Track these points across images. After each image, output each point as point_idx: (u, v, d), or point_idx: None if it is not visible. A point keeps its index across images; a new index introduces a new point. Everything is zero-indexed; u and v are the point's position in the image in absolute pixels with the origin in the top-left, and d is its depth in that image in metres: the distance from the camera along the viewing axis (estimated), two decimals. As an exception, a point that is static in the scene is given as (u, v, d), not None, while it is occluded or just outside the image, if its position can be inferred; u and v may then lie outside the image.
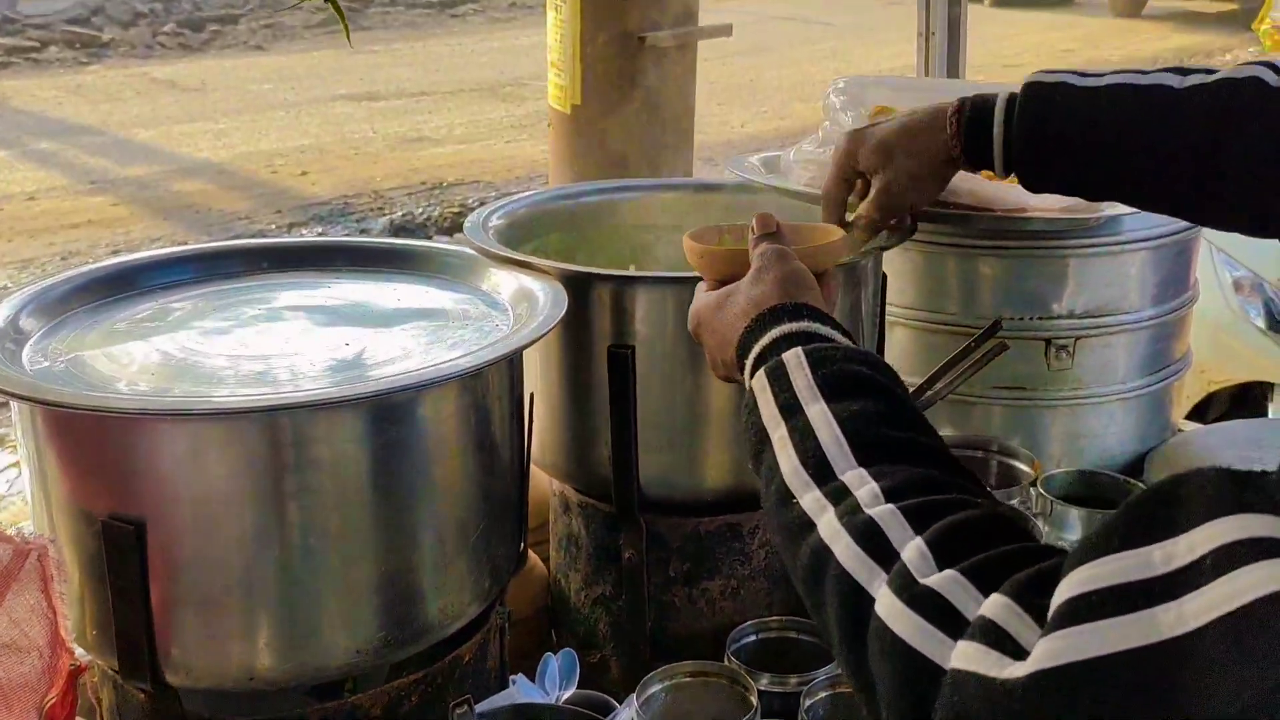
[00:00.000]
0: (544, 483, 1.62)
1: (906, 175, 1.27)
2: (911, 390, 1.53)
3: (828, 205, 1.34)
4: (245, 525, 1.01)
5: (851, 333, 0.94)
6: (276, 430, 0.99)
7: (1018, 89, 1.23)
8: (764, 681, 1.33)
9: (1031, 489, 1.58)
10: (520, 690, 1.27)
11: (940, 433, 1.76)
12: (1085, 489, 1.62)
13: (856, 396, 0.81)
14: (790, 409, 0.81)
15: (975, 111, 1.23)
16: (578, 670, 1.41)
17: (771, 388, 0.84)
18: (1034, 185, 1.27)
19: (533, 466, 1.69)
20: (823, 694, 1.32)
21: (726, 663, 1.36)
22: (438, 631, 1.13)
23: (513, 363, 1.19)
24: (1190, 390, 2.88)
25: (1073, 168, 1.22)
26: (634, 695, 1.30)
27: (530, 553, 1.63)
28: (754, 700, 1.29)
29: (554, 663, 1.39)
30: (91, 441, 1.01)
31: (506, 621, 1.29)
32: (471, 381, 1.10)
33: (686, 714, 1.32)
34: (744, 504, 1.40)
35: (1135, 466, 1.74)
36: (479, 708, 1.13)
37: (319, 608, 1.05)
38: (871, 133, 1.30)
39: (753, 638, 1.42)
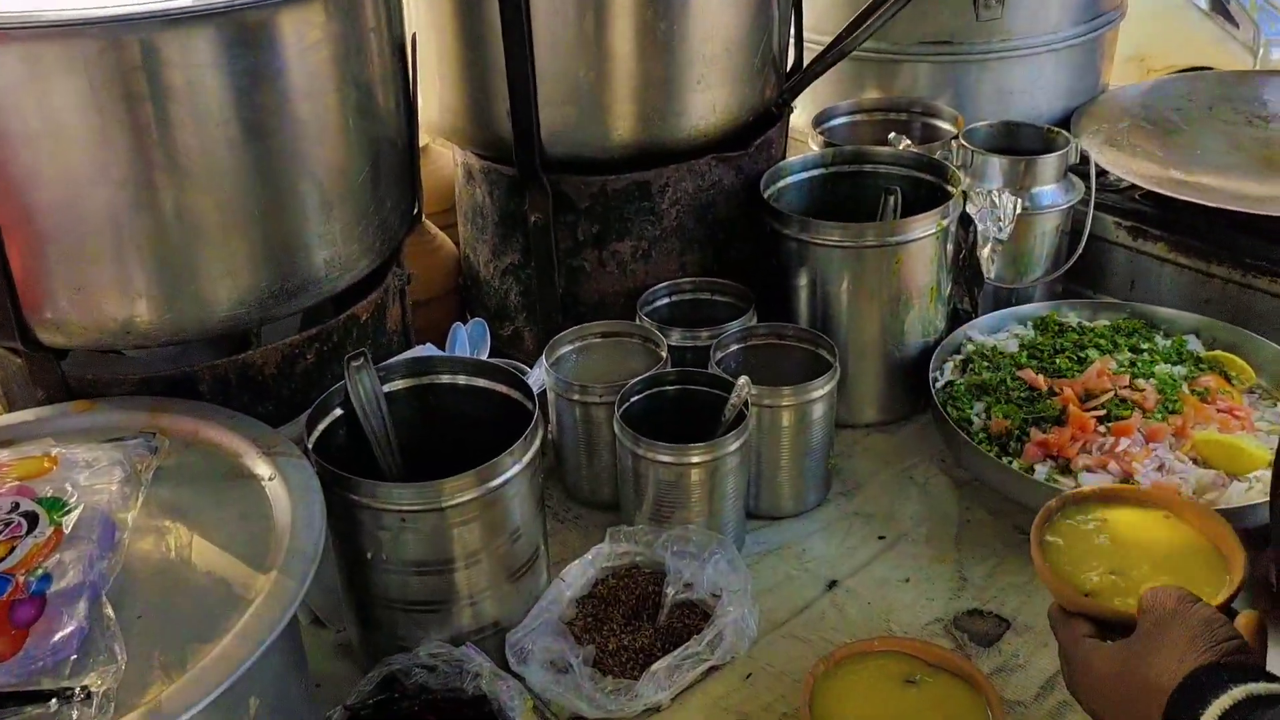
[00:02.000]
0: (448, 163, 1.55)
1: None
2: (834, 37, 1.45)
3: None
4: (99, 164, 0.93)
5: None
6: (122, 50, 0.90)
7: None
8: (675, 337, 1.31)
9: (953, 142, 1.53)
10: (425, 352, 1.24)
11: (865, 94, 1.72)
12: (1007, 140, 1.57)
13: None
14: None
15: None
16: (488, 339, 1.38)
17: None
18: None
19: (435, 142, 1.61)
20: (734, 346, 1.32)
21: (638, 323, 1.34)
22: (325, 284, 1.09)
23: (385, -12, 1.08)
24: (1130, 78, 2.80)
25: None
26: (543, 356, 1.28)
27: (439, 232, 1.58)
28: (663, 354, 1.28)
29: (463, 332, 1.36)
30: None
31: (406, 284, 1.24)
32: (339, 4, 1.00)
33: (599, 373, 1.30)
34: (652, 160, 1.34)
35: (1063, 125, 1.68)
36: (379, 365, 1.10)
37: (191, 254, 0.99)
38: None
39: (665, 300, 1.40)
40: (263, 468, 0.96)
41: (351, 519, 0.98)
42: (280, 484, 0.94)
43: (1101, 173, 1.55)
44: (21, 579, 0.79)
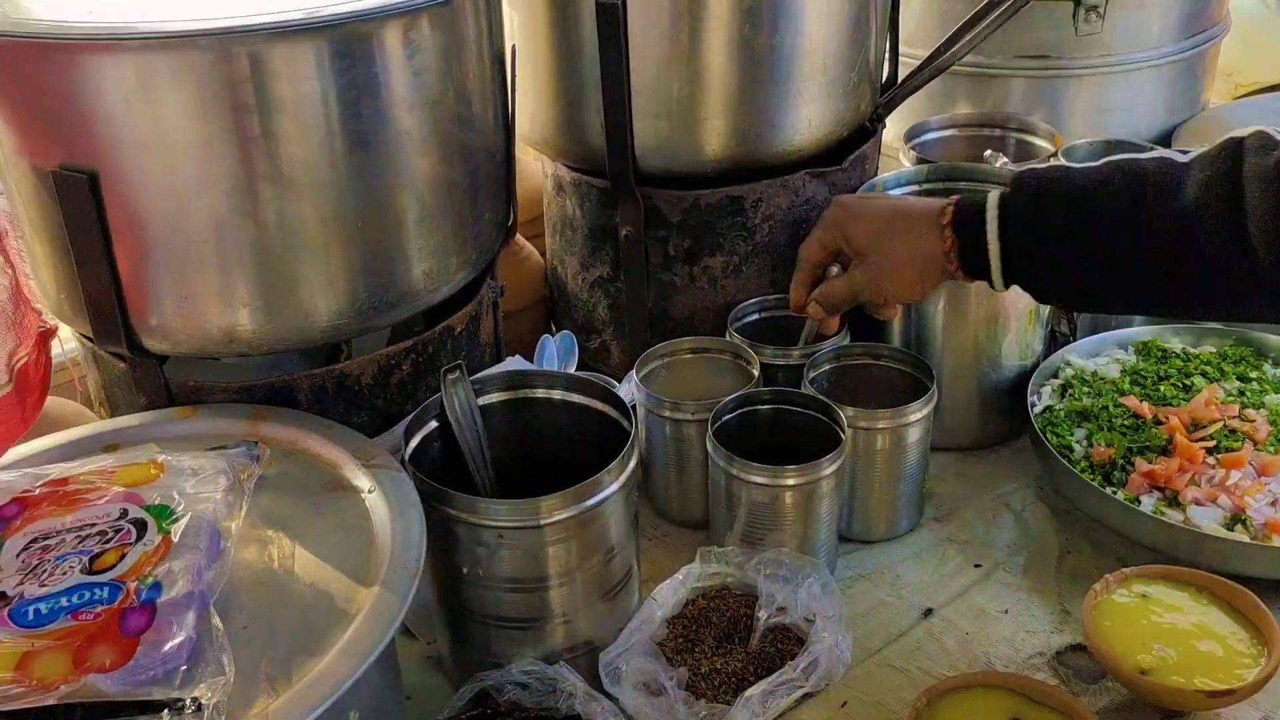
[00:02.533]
0: (538, 172, 1.54)
1: (894, 266, 1.14)
2: (930, 52, 1.43)
3: (804, 270, 1.22)
4: (207, 174, 0.93)
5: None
6: (232, 62, 0.90)
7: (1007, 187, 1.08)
8: (766, 354, 1.29)
9: (1052, 159, 1.50)
10: (517, 365, 1.23)
11: (957, 110, 1.69)
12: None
13: None
14: None
15: (964, 215, 1.09)
16: (576, 351, 1.38)
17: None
18: (1041, 297, 1.16)
19: (525, 152, 1.61)
20: (827, 366, 1.29)
21: (729, 339, 1.32)
22: (423, 296, 1.08)
23: (489, 2, 1.08)
24: (1218, 93, 2.73)
25: (1078, 274, 1.06)
26: (633, 371, 1.27)
27: (527, 243, 1.58)
28: (755, 372, 1.26)
29: (552, 344, 1.36)
30: (31, 81, 0.92)
31: (499, 296, 1.23)
32: (443, 16, 1.00)
33: (689, 389, 1.29)
34: (746, 174, 1.32)
35: (1163, 143, 1.64)
36: (474, 378, 1.09)
37: (294, 264, 0.99)
38: (863, 207, 1.18)
39: (755, 316, 1.38)
40: (363, 480, 0.96)
41: (447, 533, 0.98)
42: (380, 497, 0.94)
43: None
44: (133, 587, 0.79)
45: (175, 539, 0.83)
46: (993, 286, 1.10)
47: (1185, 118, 1.71)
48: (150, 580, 0.80)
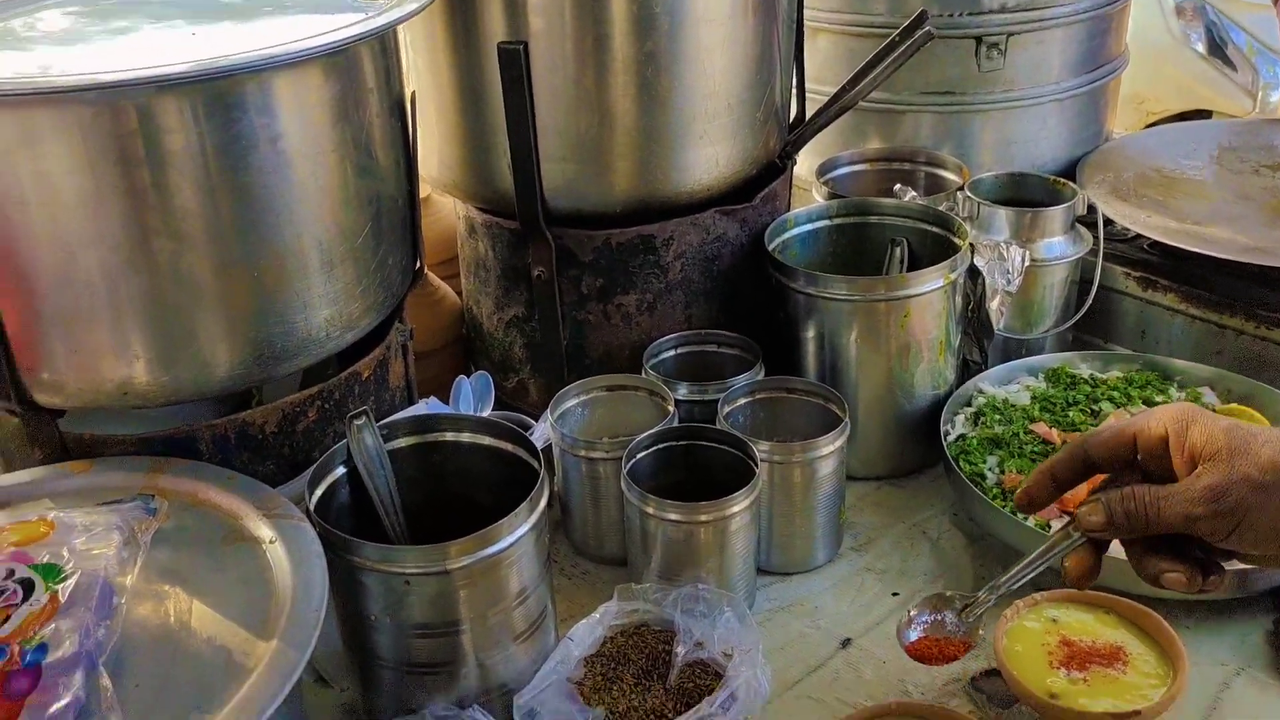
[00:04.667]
0: (450, 213, 1.54)
1: (1270, 537, 0.79)
2: (836, 90, 1.45)
3: (1071, 458, 0.90)
4: (95, 228, 0.92)
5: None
6: (117, 115, 0.89)
7: None
8: (682, 391, 1.30)
9: (959, 193, 1.53)
10: (429, 408, 1.22)
11: (868, 144, 1.72)
12: (1014, 190, 1.56)
13: None
14: None
15: None
16: (492, 391, 1.37)
17: None
18: None
19: (436, 194, 1.61)
20: (742, 400, 1.30)
21: (644, 376, 1.32)
22: (327, 343, 1.07)
23: (385, 49, 1.08)
24: (1128, 120, 2.81)
25: None
26: (548, 411, 1.27)
27: (442, 283, 1.57)
28: (670, 409, 1.26)
29: (467, 385, 1.35)
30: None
31: (409, 339, 1.23)
32: (337, 65, 1.00)
33: (605, 427, 1.29)
34: (656, 214, 1.33)
35: (1067, 174, 1.68)
36: (381, 423, 1.08)
37: (189, 315, 0.98)
38: (1249, 439, 0.80)
39: (671, 352, 1.39)
40: (264, 530, 0.95)
41: (354, 581, 0.96)
42: (281, 547, 0.92)
43: (1109, 223, 1.55)
44: (16, 649, 0.77)
45: (63, 598, 0.81)
46: None
47: (1089, 149, 1.75)
48: (36, 641, 0.77)
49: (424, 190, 1.46)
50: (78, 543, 0.87)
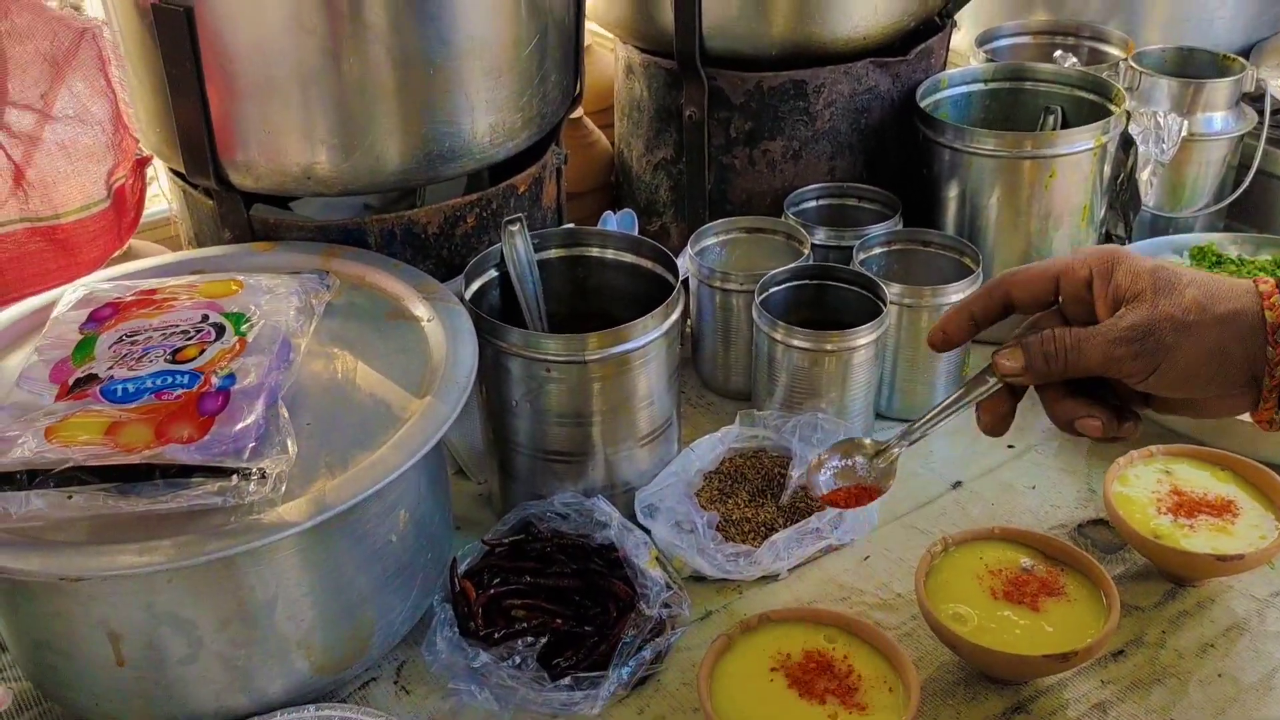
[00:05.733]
0: (611, 63, 1.59)
1: (1187, 378, 0.77)
2: None
3: (984, 298, 0.86)
4: (293, 12, 1.00)
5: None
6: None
7: None
8: (819, 236, 1.33)
9: (1122, 63, 1.50)
10: (577, 231, 1.29)
11: (1032, 15, 1.68)
12: (1180, 66, 1.52)
13: None
14: None
15: None
16: (635, 227, 1.42)
17: None
18: None
19: (596, 44, 1.66)
20: (877, 249, 1.33)
21: (784, 220, 1.36)
22: (488, 151, 1.14)
23: None
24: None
25: None
26: (688, 245, 1.32)
27: (596, 129, 1.63)
28: (806, 252, 1.30)
29: (613, 219, 1.41)
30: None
31: (563, 163, 1.29)
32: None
33: (742, 266, 1.33)
34: (810, 60, 1.35)
35: (1242, 56, 1.62)
36: (533, 233, 1.15)
37: (368, 107, 1.05)
38: (1142, 257, 0.80)
39: (812, 203, 1.42)
40: (422, 310, 1.03)
41: (499, 367, 1.04)
42: (438, 325, 1.01)
43: (1277, 108, 1.49)
44: (210, 375, 0.87)
45: (250, 340, 0.91)
46: None
47: (1269, 34, 1.68)
48: (226, 371, 0.88)
49: (587, 38, 1.50)
50: (263, 300, 0.97)
